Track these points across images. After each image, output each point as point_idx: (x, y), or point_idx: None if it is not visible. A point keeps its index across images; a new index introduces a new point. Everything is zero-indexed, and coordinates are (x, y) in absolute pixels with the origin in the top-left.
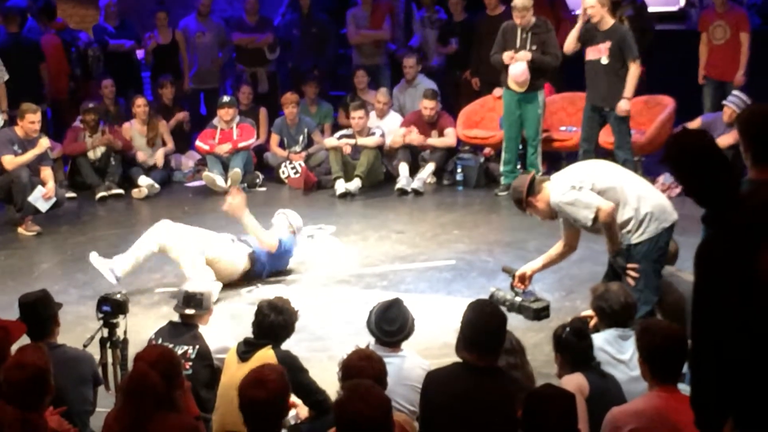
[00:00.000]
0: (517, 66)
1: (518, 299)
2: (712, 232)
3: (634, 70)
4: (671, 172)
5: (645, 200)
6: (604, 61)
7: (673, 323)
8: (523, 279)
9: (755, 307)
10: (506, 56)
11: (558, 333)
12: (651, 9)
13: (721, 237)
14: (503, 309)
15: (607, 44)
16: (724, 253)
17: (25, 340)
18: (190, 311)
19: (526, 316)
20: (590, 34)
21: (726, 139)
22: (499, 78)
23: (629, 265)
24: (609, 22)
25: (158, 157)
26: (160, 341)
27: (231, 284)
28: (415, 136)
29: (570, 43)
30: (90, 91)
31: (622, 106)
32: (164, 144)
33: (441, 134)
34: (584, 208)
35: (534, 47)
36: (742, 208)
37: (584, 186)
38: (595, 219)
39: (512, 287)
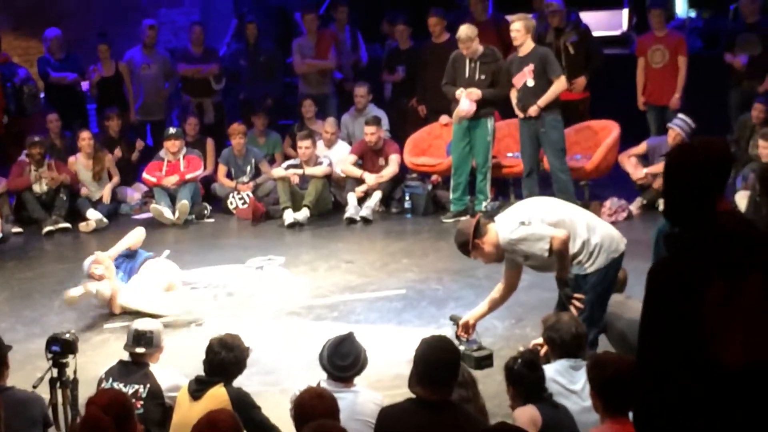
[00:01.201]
0: (464, 102)
1: (462, 347)
2: (670, 254)
3: (557, 85)
4: (670, 176)
5: (594, 231)
6: (530, 83)
7: (623, 355)
8: (467, 328)
9: (696, 337)
10: (458, 94)
11: (509, 365)
12: (596, 33)
13: (678, 260)
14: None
15: (530, 66)
16: (677, 276)
17: None
18: (140, 350)
19: (468, 365)
20: (515, 63)
21: None
22: (445, 105)
23: (575, 295)
24: (530, 45)
25: (105, 193)
26: (110, 381)
27: (178, 317)
28: (364, 187)
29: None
30: (26, 127)
31: (531, 111)
32: (110, 177)
33: (387, 162)
34: (538, 241)
35: (483, 77)
36: (708, 235)
37: (533, 221)
38: (550, 250)
39: (457, 336)
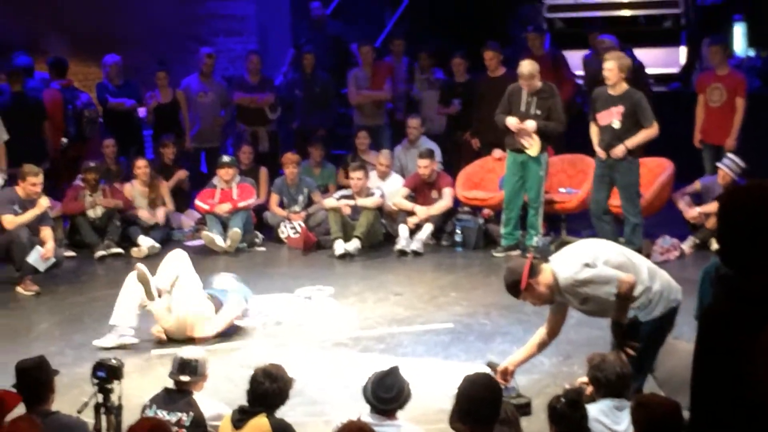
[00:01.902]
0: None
1: None
2: (724, 296)
3: (649, 132)
4: (724, 218)
5: (655, 278)
6: (616, 125)
7: (668, 397)
8: (505, 374)
9: (752, 383)
10: (511, 123)
11: (553, 404)
12: (651, 71)
13: (732, 304)
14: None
15: (620, 108)
16: (731, 320)
17: (21, 407)
18: (185, 378)
19: None
20: (603, 99)
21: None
22: (500, 139)
23: (630, 343)
24: (623, 86)
25: (159, 215)
26: (154, 408)
27: (225, 344)
28: (416, 219)
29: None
30: (82, 152)
31: (617, 152)
32: (164, 204)
33: (440, 194)
34: (605, 284)
35: (538, 111)
36: (763, 280)
37: (597, 264)
38: (617, 294)
39: None
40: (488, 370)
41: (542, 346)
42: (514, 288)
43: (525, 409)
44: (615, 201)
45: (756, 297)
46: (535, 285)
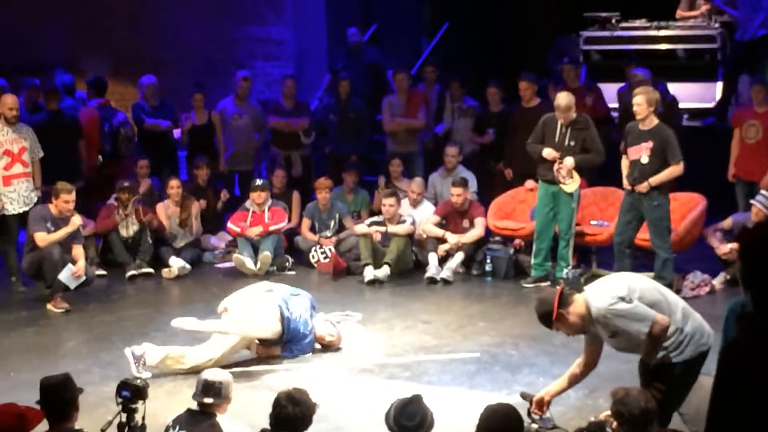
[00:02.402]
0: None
1: (534, 426)
2: (744, 334)
3: (674, 170)
4: (747, 257)
5: (688, 319)
6: (644, 160)
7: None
8: (541, 405)
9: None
10: (548, 153)
11: None
12: (687, 105)
13: (752, 342)
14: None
15: (650, 144)
16: (750, 358)
17: (44, 424)
18: (208, 400)
19: None
20: (634, 134)
21: None
22: (532, 170)
23: (656, 384)
24: (653, 121)
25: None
26: (177, 429)
27: (250, 368)
28: (447, 246)
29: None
30: (117, 170)
31: (641, 188)
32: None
33: (471, 223)
34: (638, 321)
35: (573, 143)
36: None
37: (633, 298)
38: (649, 333)
39: (529, 413)
40: (520, 401)
41: (581, 377)
42: (546, 318)
43: None
44: (644, 235)
45: None
46: (567, 315)
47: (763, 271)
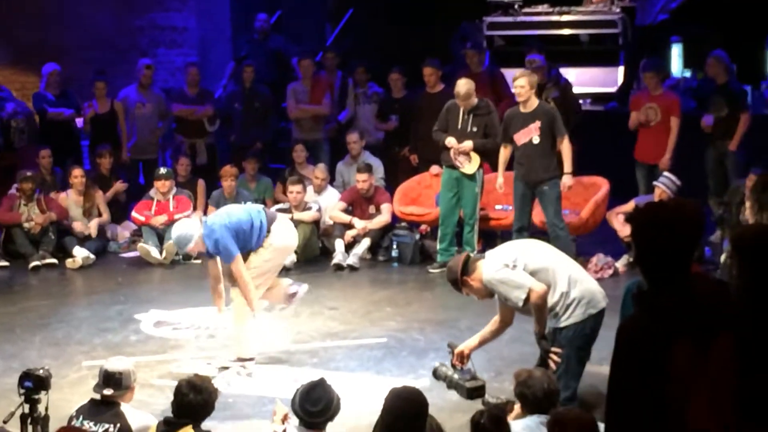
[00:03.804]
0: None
1: (456, 376)
2: (638, 311)
3: (567, 145)
4: (641, 235)
5: (576, 284)
6: (536, 140)
7: (584, 412)
8: (462, 357)
9: (665, 397)
10: (450, 143)
11: (476, 419)
12: (590, 89)
13: (646, 320)
14: (443, 384)
15: (538, 124)
16: (645, 336)
17: None
18: (108, 392)
19: (460, 394)
20: (517, 119)
21: None
22: (438, 155)
23: (553, 349)
24: (535, 102)
25: (92, 227)
26: (81, 419)
27: (156, 357)
28: (354, 232)
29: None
30: (15, 161)
31: (566, 181)
32: (100, 214)
33: (377, 209)
34: (516, 288)
35: (475, 129)
36: (677, 295)
37: (517, 265)
38: (527, 300)
39: (452, 364)
40: (426, 385)
41: (495, 334)
42: (454, 284)
43: (479, 391)
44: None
45: (668, 311)
46: (470, 281)
47: (655, 248)
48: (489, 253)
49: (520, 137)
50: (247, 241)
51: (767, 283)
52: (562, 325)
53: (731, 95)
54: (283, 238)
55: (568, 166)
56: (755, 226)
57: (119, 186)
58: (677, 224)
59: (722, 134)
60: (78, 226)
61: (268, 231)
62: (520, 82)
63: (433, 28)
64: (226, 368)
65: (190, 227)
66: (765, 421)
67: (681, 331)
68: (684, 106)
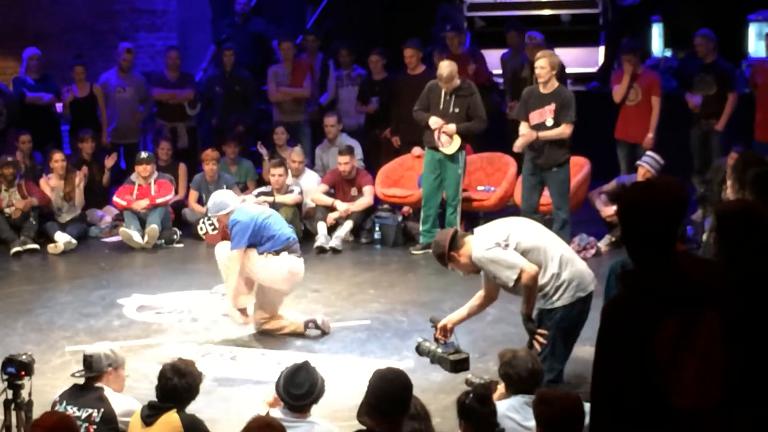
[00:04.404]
0: (443, 138)
1: (439, 350)
2: (624, 291)
3: (564, 129)
4: (626, 214)
5: (567, 265)
6: (549, 122)
7: (570, 391)
8: (445, 331)
9: (648, 376)
10: (433, 122)
11: (461, 399)
12: (571, 70)
13: (632, 298)
14: (427, 360)
15: (552, 106)
16: (630, 314)
17: None
18: (79, 373)
19: (444, 368)
20: (534, 98)
21: None
22: (419, 137)
23: (539, 331)
24: (554, 84)
25: (77, 196)
26: (64, 404)
27: (140, 341)
28: (336, 214)
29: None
30: None
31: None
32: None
33: (359, 192)
34: (507, 268)
35: (457, 110)
36: (663, 274)
37: (509, 244)
38: (517, 280)
39: (435, 339)
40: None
41: (480, 308)
42: (440, 259)
43: (464, 364)
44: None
45: (654, 290)
46: (458, 257)
47: (641, 227)
48: (478, 230)
49: (534, 117)
50: (258, 239)
51: (749, 258)
52: (550, 307)
53: (720, 74)
54: (284, 269)
55: (545, 134)
56: (738, 202)
57: (109, 161)
58: (664, 203)
59: (709, 113)
60: (57, 204)
61: (278, 252)
62: (540, 62)
63: (413, 9)
64: (206, 345)
65: (231, 200)
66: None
67: (667, 310)
68: (665, 85)
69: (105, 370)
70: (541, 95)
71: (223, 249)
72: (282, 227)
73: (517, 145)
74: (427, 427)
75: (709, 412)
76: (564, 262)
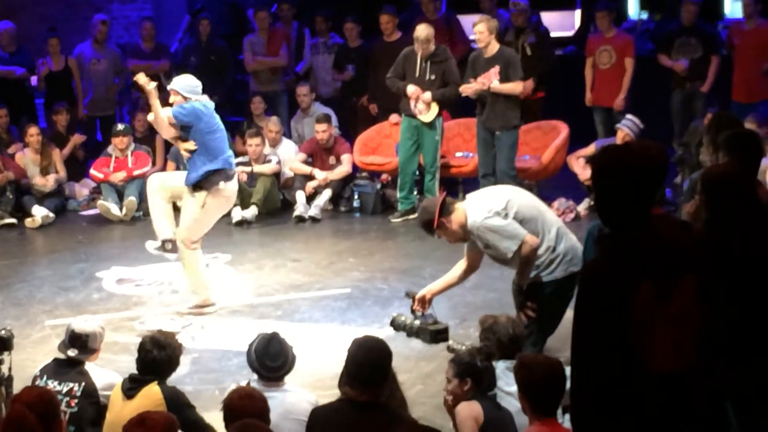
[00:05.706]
0: (419, 106)
1: (417, 322)
2: (602, 255)
3: (513, 86)
4: (602, 178)
5: (562, 239)
6: (496, 84)
7: (549, 356)
8: (423, 302)
9: (629, 339)
10: (410, 91)
11: (467, 360)
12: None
13: (609, 262)
14: (404, 333)
15: (497, 68)
16: (608, 278)
17: None
18: (72, 353)
19: (423, 339)
20: (480, 63)
21: None
22: (397, 104)
23: (528, 304)
24: (495, 46)
25: (49, 180)
26: (45, 378)
27: (121, 314)
28: (315, 183)
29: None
30: None
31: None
32: (57, 172)
33: (338, 160)
34: (508, 238)
35: (433, 77)
36: (639, 238)
37: (509, 213)
38: (516, 252)
39: (412, 310)
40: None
41: (460, 279)
42: (427, 225)
43: (443, 334)
44: None
45: (630, 254)
46: (448, 223)
47: (618, 192)
48: (472, 196)
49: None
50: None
51: (733, 220)
52: (543, 280)
53: (705, 37)
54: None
55: (498, 86)
56: (722, 166)
57: (77, 138)
58: (639, 167)
59: (694, 76)
60: (38, 180)
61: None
62: (479, 27)
63: None
64: (187, 316)
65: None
66: (733, 354)
67: (644, 274)
68: (641, 48)
69: (98, 348)
70: (486, 59)
71: (154, 179)
72: (228, 148)
73: (465, 87)
74: (393, 388)
75: (686, 375)
76: (560, 235)
